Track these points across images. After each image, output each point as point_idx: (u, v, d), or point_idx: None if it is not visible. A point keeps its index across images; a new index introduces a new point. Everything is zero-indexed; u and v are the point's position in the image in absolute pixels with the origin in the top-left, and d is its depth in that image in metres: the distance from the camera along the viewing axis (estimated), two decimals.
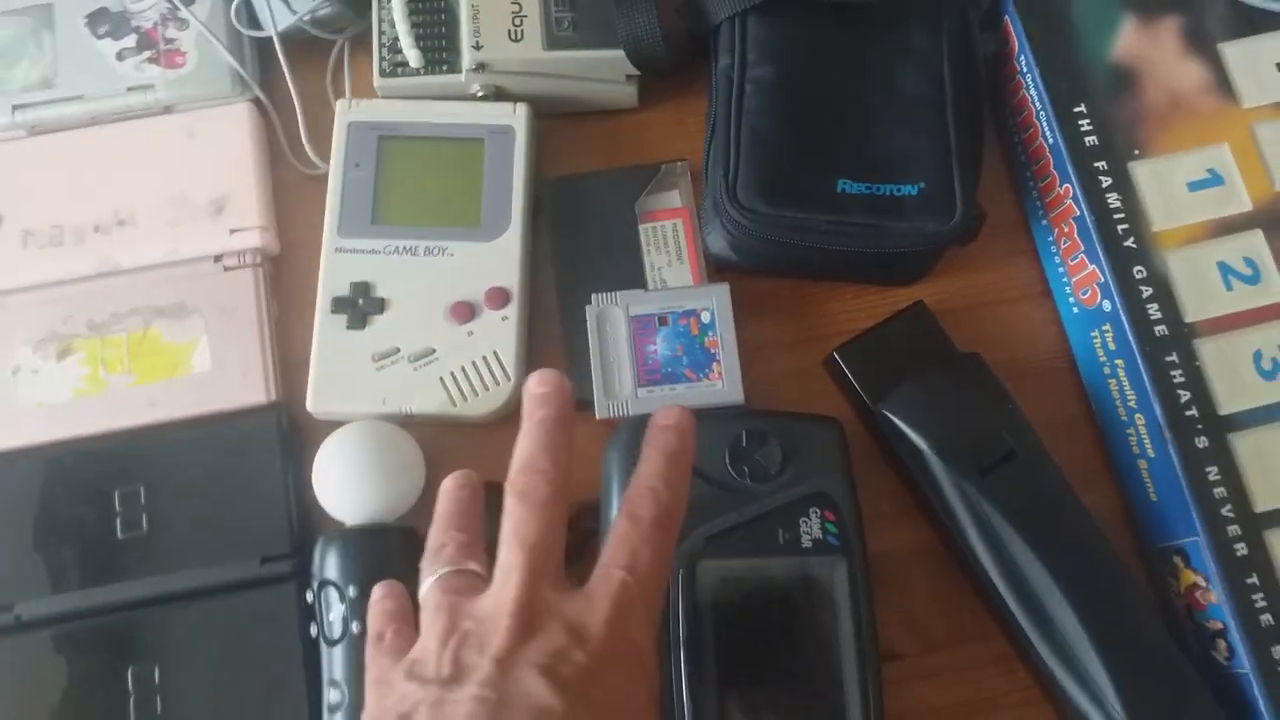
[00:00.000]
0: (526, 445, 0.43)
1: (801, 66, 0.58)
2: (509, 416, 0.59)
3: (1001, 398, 0.55)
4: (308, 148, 0.63)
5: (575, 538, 0.55)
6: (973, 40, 0.61)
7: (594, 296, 0.58)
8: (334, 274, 0.58)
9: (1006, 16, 0.63)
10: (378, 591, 0.47)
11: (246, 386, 0.57)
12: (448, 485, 0.47)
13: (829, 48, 0.59)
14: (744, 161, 0.56)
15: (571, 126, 0.65)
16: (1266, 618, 0.52)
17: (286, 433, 0.57)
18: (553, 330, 0.60)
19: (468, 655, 0.39)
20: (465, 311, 0.57)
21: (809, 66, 0.58)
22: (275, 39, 0.62)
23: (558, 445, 0.43)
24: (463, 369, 0.56)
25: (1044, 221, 0.61)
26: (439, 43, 0.62)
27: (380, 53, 0.62)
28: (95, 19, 0.64)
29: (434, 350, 0.57)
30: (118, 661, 0.53)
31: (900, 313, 0.59)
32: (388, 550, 0.53)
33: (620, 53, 0.61)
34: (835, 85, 0.58)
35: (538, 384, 0.45)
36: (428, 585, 0.43)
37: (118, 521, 0.55)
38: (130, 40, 0.63)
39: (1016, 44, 0.62)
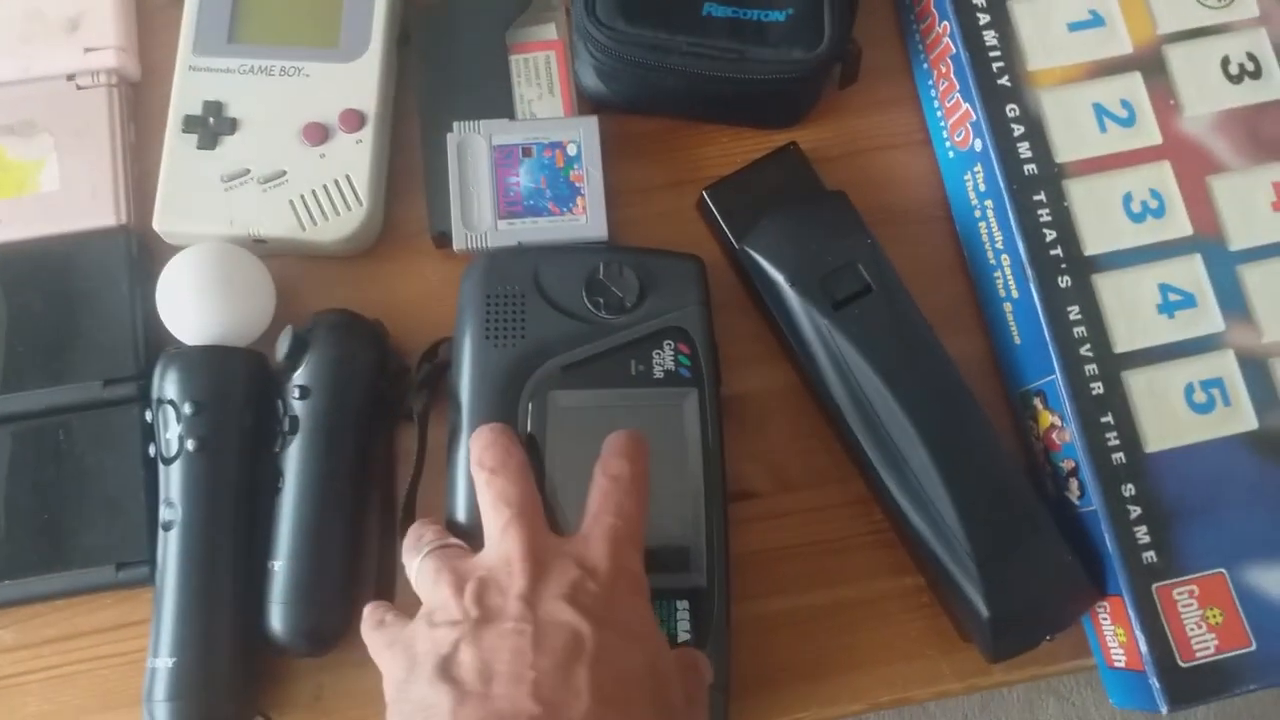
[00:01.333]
0: (482, 435, 0.47)
1: None
2: (362, 249, 0.57)
3: (860, 233, 0.54)
4: None
5: (434, 370, 0.54)
6: None
7: (456, 125, 0.56)
8: (186, 93, 0.56)
9: None
10: (369, 607, 0.48)
11: (96, 208, 0.56)
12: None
13: None
14: None
15: None
16: (1118, 456, 0.51)
17: (136, 256, 0.55)
18: (414, 161, 0.58)
19: (490, 598, 0.42)
20: (318, 133, 0.55)
21: None
22: None
23: (509, 432, 0.47)
24: (313, 192, 0.55)
25: (925, 65, 0.60)
26: None
27: None
28: None
29: (285, 172, 0.55)
30: None
31: (771, 154, 0.58)
32: (229, 371, 0.52)
33: None
34: None
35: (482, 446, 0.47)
36: (418, 561, 0.45)
37: None
38: None
39: None
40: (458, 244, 0.55)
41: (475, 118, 0.57)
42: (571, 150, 0.57)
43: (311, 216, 0.55)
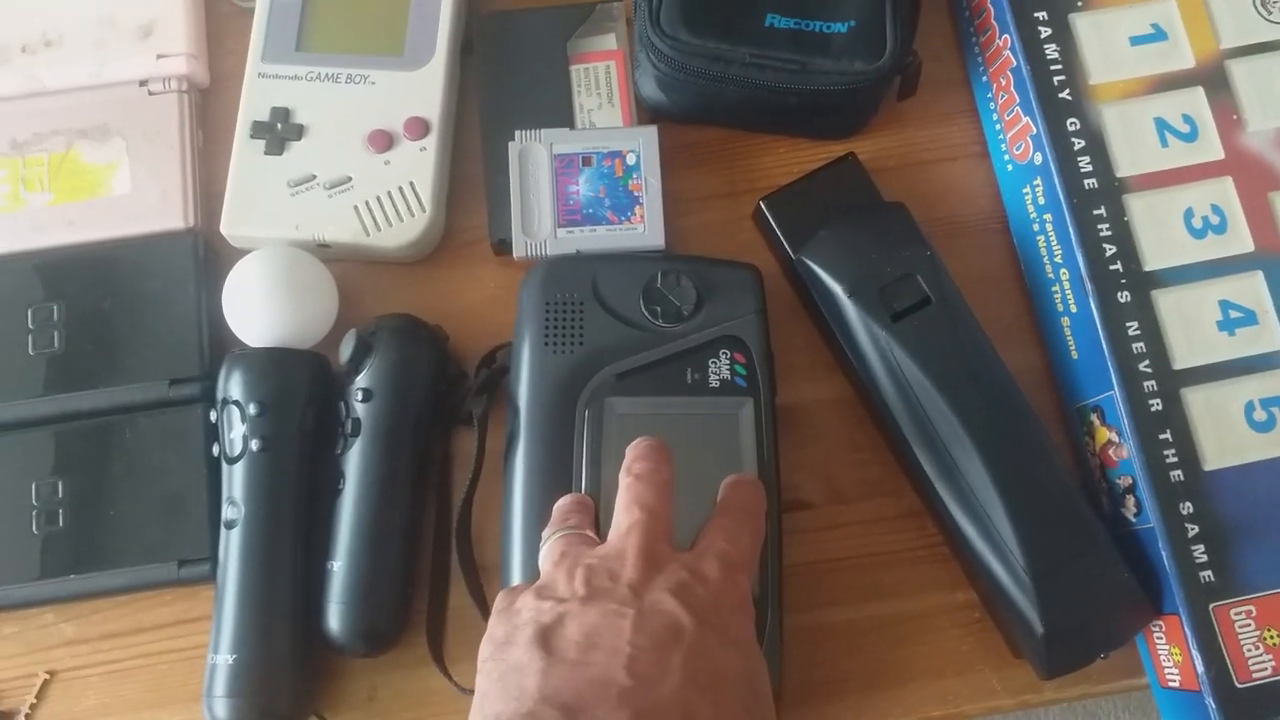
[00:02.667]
0: (637, 446, 0.47)
1: None
2: (423, 255, 0.58)
3: (919, 244, 0.54)
4: None
5: (492, 375, 0.55)
6: None
7: (518, 133, 0.57)
8: (255, 99, 0.57)
9: None
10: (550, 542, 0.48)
11: (165, 211, 0.57)
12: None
13: None
14: None
15: None
16: (1176, 473, 0.51)
17: (203, 259, 0.56)
18: (475, 170, 0.59)
19: (599, 580, 0.43)
20: (383, 140, 0.56)
21: None
22: None
23: (664, 453, 0.47)
24: (378, 198, 0.56)
25: (984, 78, 0.60)
26: None
27: None
28: None
29: (350, 178, 0.56)
30: (23, 475, 0.53)
31: (830, 164, 0.58)
32: (293, 373, 0.53)
33: None
34: None
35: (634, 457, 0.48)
36: (550, 541, 0.46)
37: (30, 339, 0.55)
38: None
39: None
40: (518, 251, 0.56)
41: (536, 127, 0.58)
42: (631, 160, 0.57)
43: (375, 222, 0.56)
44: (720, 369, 0.52)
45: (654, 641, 0.40)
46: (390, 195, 0.56)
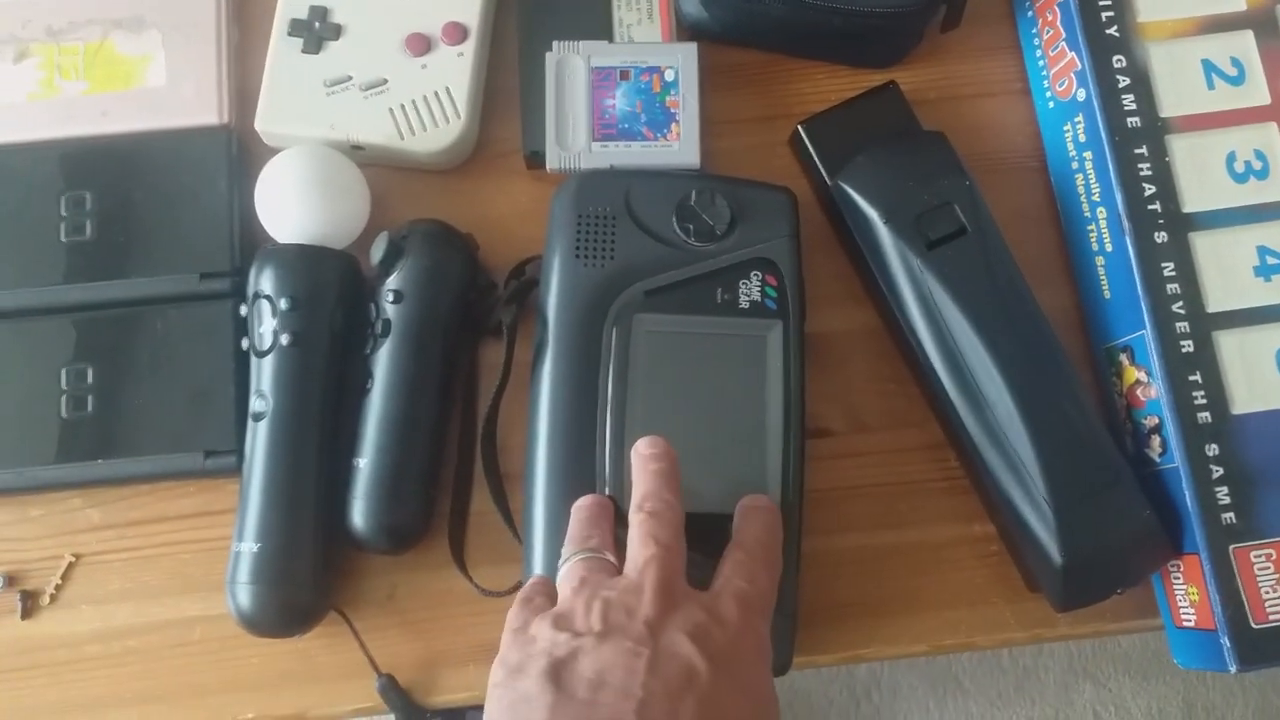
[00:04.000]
0: (647, 482, 0.46)
1: None
2: (456, 163, 0.58)
3: (959, 174, 0.53)
4: None
5: (522, 285, 0.54)
6: None
7: (555, 44, 0.57)
8: None
9: None
10: (533, 580, 0.48)
11: (199, 106, 0.57)
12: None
13: None
14: None
15: None
16: (1204, 415, 0.51)
17: (235, 155, 0.56)
18: (511, 82, 0.59)
19: (616, 616, 0.42)
20: (421, 44, 0.56)
21: None
22: None
23: (674, 485, 0.46)
24: (413, 102, 0.55)
25: (1029, 13, 0.59)
26: None
27: None
28: None
29: (386, 80, 0.55)
30: (52, 360, 0.54)
31: (870, 91, 0.58)
32: (324, 270, 0.53)
33: None
34: None
35: (648, 447, 0.47)
36: (570, 564, 0.45)
37: (62, 226, 0.55)
38: None
39: None
40: (551, 164, 0.56)
41: (574, 39, 0.57)
42: (669, 76, 0.57)
43: (410, 126, 0.55)
44: (751, 290, 0.52)
45: (667, 686, 0.40)
46: (425, 100, 0.55)
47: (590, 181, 0.54)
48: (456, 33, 0.56)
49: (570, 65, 0.57)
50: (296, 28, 0.56)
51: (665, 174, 0.55)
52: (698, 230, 0.53)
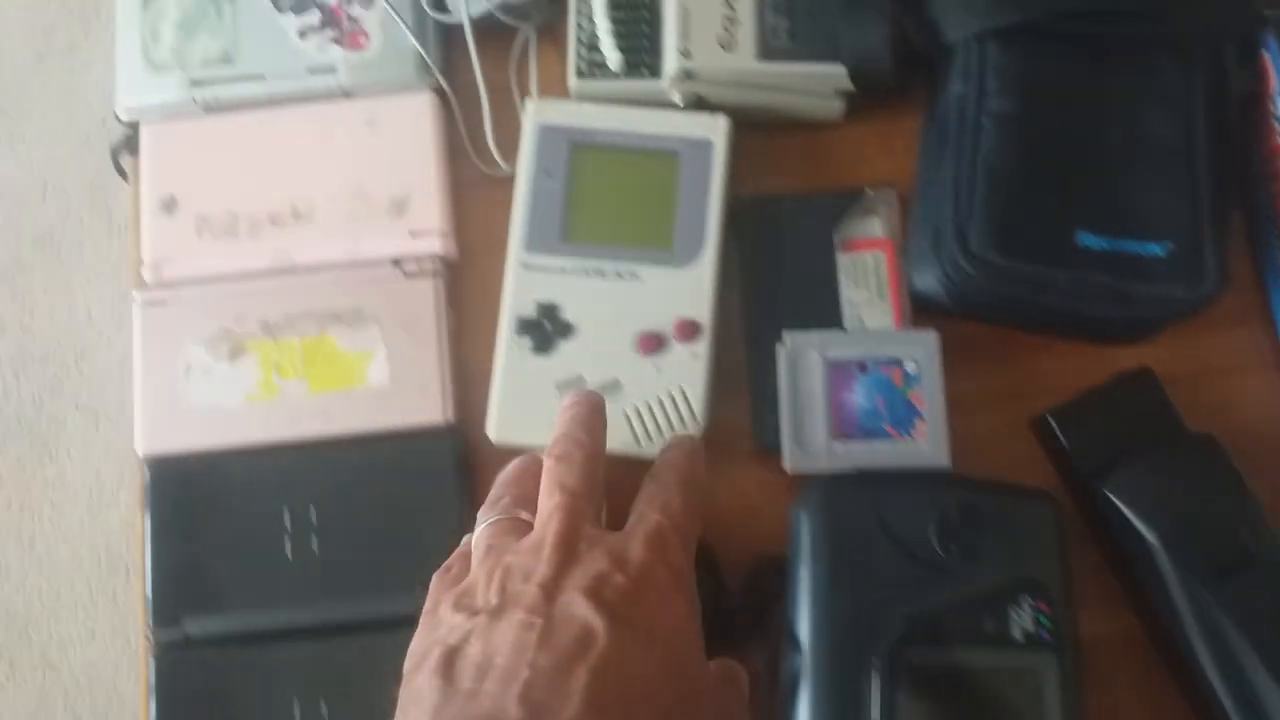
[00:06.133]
0: (561, 425, 0.46)
1: (1045, 102, 0.53)
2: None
3: (1241, 493, 0.50)
4: (492, 146, 0.59)
5: (756, 599, 0.52)
6: (1227, 80, 0.55)
7: (786, 335, 0.54)
8: (520, 293, 0.54)
9: (1264, 50, 0.56)
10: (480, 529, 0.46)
11: (424, 405, 0.54)
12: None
13: (1071, 82, 0.54)
14: (979, 205, 0.51)
15: (768, 139, 0.60)
16: None
17: (460, 456, 0.54)
18: (735, 365, 0.56)
19: (513, 584, 0.41)
20: (653, 343, 0.53)
21: (1052, 103, 0.53)
22: (466, 25, 0.59)
23: (591, 424, 0.46)
24: (648, 405, 0.53)
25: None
26: (640, 43, 0.57)
27: (577, 50, 0.58)
28: None
29: (619, 382, 0.53)
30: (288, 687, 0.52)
31: (1123, 377, 0.54)
32: None
33: (840, 67, 0.56)
34: (1076, 125, 0.53)
35: (569, 396, 0.48)
36: (480, 530, 0.45)
37: (287, 541, 0.53)
38: (313, 17, 0.60)
39: (1275, 82, 0.56)
40: (790, 464, 0.53)
41: (801, 323, 0.54)
42: (910, 369, 0.54)
43: (647, 431, 0.53)
44: (1022, 618, 0.49)
45: (557, 659, 0.38)
46: (661, 402, 0.53)
47: (839, 494, 0.51)
48: (690, 330, 0.54)
49: (805, 358, 0.54)
50: (525, 327, 0.54)
51: (915, 480, 0.52)
52: (961, 549, 0.49)
